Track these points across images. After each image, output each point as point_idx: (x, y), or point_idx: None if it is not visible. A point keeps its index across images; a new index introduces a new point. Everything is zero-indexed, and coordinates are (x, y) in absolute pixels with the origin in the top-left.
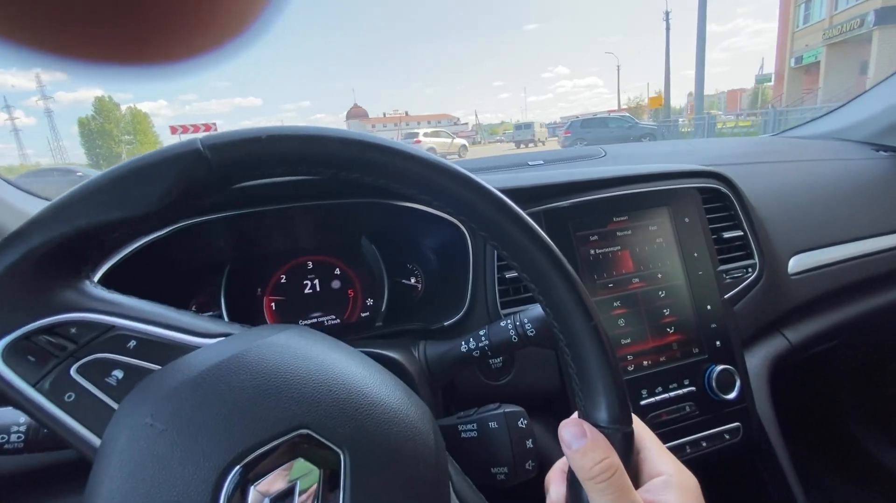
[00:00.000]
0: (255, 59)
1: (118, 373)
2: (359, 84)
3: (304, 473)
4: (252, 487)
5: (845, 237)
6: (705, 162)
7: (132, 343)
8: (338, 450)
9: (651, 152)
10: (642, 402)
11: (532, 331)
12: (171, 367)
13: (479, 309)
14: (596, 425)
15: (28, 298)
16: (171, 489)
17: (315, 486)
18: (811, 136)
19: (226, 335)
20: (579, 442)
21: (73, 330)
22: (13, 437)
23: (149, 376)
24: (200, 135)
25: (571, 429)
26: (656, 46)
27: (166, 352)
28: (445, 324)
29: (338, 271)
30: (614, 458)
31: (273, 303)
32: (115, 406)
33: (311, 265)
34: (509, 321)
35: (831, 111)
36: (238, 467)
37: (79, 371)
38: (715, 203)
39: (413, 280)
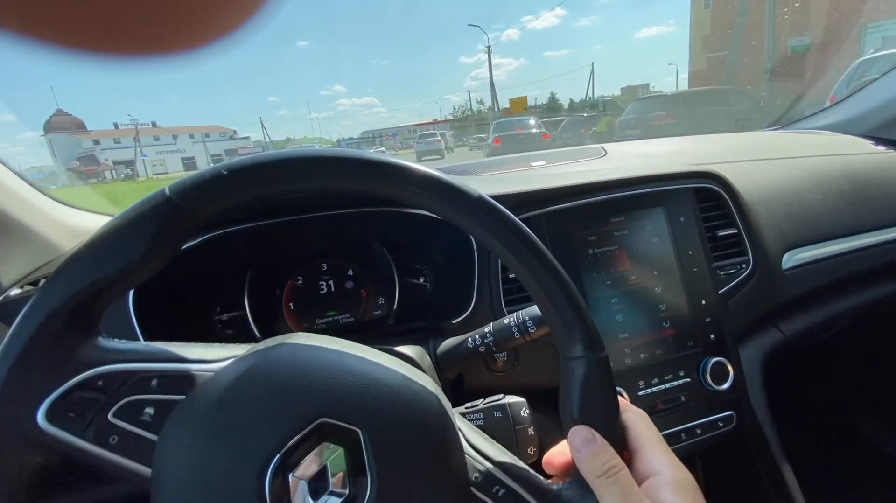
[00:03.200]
0: None
1: (150, 410)
2: (72, 86)
3: (332, 456)
4: (290, 475)
5: (840, 232)
6: (705, 159)
7: (154, 381)
8: (356, 429)
9: (651, 151)
10: (640, 393)
11: (532, 328)
12: (194, 394)
13: (484, 307)
14: (573, 358)
15: (56, 362)
16: (223, 492)
17: (344, 465)
18: (812, 128)
19: (233, 357)
20: (588, 446)
21: (101, 382)
22: None
23: (177, 406)
24: (168, 182)
25: (581, 434)
26: (422, 70)
27: (186, 382)
28: (454, 321)
29: (351, 272)
30: (619, 460)
31: (291, 304)
32: (154, 438)
33: (325, 267)
34: (512, 318)
35: (835, 104)
36: (275, 460)
37: (115, 415)
38: (710, 202)
39: (422, 279)
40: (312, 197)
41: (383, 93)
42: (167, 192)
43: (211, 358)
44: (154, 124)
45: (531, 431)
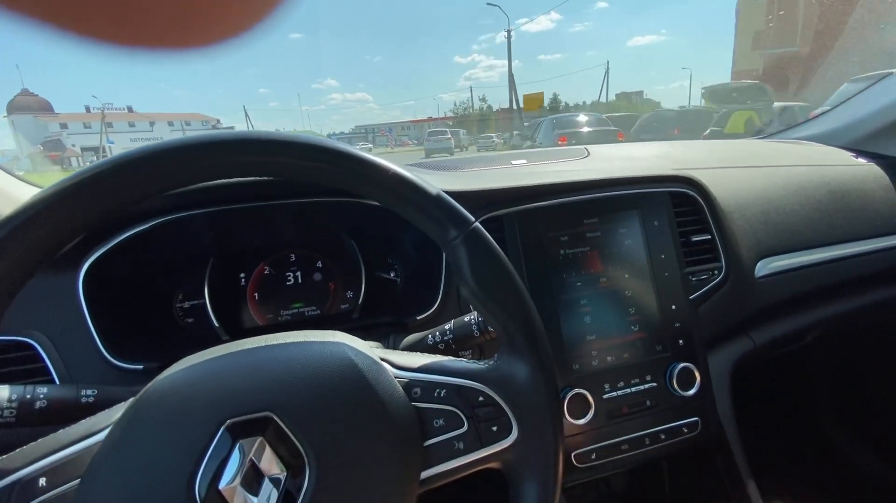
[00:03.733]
0: None
1: None
2: (41, 64)
3: (253, 448)
4: (220, 486)
5: (815, 242)
6: (686, 164)
7: (42, 481)
8: (266, 414)
9: (634, 154)
10: (605, 396)
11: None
12: (91, 469)
13: (451, 305)
14: (451, 241)
15: None
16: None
17: (269, 451)
18: (797, 138)
19: (113, 420)
20: None
21: None
22: (6, 412)
23: (79, 488)
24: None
25: None
26: (415, 67)
27: (76, 465)
28: (418, 318)
29: (320, 264)
30: None
31: (256, 294)
32: None
33: (293, 258)
34: (472, 316)
35: (818, 115)
36: (197, 481)
37: None
38: (684, 207)
39: (392, 274)
40: (281, 183)
41: (376, 89)
42: None
43: (93, 430)
44: (130, 109)
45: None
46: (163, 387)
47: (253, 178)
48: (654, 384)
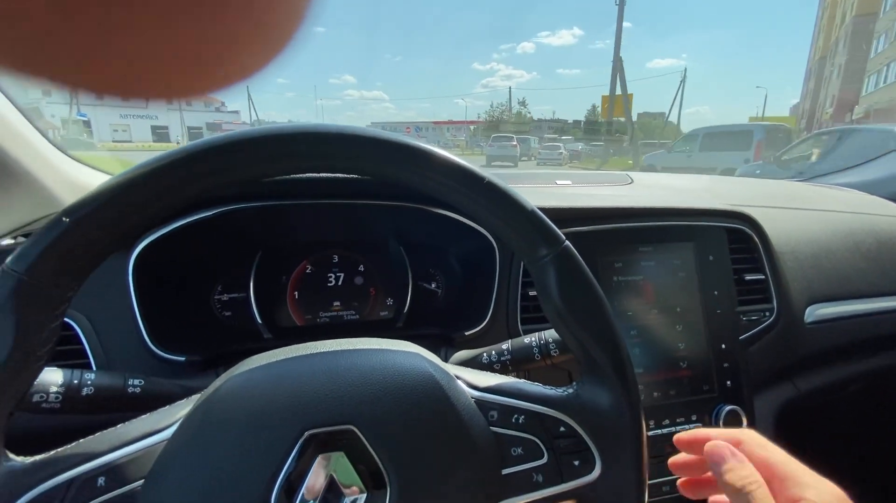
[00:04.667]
0: None
1: None
2: None
3: (336, 463)
4: (296, 501)
5: (865, 292)
6: (730, 200)
7: (101, 480)
8: (349, 428)
9: (677, 185)
10: (649, 433)
11: (556, 352)
12: (155, 471)
13: (500, 323)
14: (540, 259)
15: None
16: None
17: (351, 467)
18: (838, 184)
19: (179, 417)
20: (729, 461)
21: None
22: (52, 397)
23: (143, 490)
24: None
25: (720, 451)
26: (434, 70)
27: (140, 465)
28: (466, 333)
29: (362, 268)
30: (758, 476)
31: (296, 293)
32: None
33: (336, 259)
34: (533, 339)
35: (863, 163)
36: (274, 494)
37: None
38: (739, 244)
39: (434, 285)
40: (331, 181)
41: (393, 88)
42: (12, 268)
43: (157, 427)
44: None
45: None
46: (235, 388)
47: (319, 175)
48: (699, 424)
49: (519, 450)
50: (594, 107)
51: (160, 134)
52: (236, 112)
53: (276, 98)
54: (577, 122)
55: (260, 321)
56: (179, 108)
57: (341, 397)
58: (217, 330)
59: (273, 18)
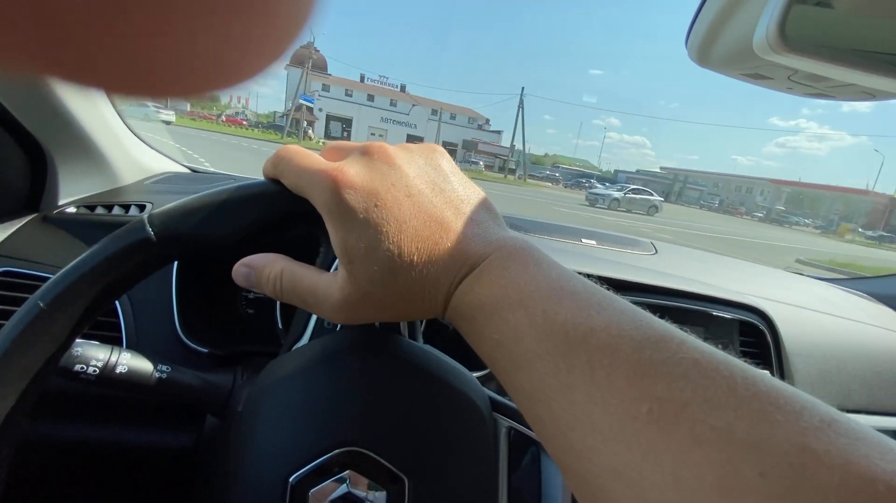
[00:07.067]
0: None
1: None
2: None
3: (373, 495)
4: (310, 491)
5: (871, 409)
6: (754, 289)
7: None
8: (403, 478)
9: (700, 264)
10: None
11: None
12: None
13: None
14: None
15: None
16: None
17: None
18: (858, 291)
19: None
20: (251, 278)
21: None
22: (90, 369)
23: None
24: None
25: (242, 271)
26: (684, 126)
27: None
28: None
29: None
30: (276, 265)
31: None
32: None
33: None
34: None
35: (890, 275)
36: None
37: None
38: (749, 337)
39: None
40: None
41: (657, 136)
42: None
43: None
44: (403, 88)
45: None
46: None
47: None
48: None
49: None
50: None
51: (414, 141)
52: (499, 132)
53: (537, 132)
54: None
55: (280, 327)
56: (438, 120)
57: (412, 443)
58: (240, 327)
59: (284, 17)
